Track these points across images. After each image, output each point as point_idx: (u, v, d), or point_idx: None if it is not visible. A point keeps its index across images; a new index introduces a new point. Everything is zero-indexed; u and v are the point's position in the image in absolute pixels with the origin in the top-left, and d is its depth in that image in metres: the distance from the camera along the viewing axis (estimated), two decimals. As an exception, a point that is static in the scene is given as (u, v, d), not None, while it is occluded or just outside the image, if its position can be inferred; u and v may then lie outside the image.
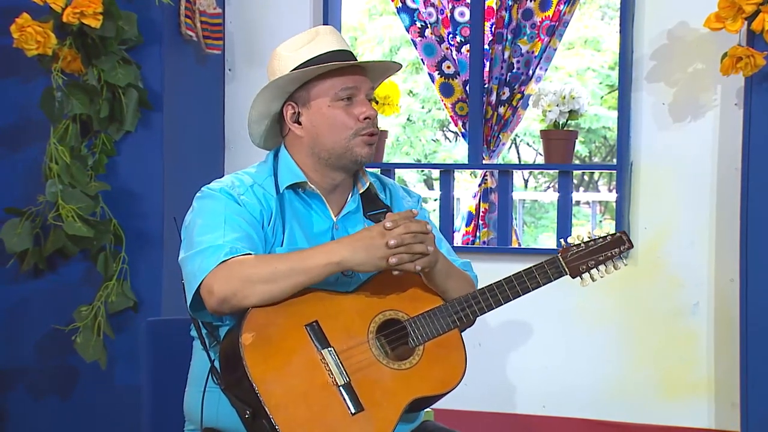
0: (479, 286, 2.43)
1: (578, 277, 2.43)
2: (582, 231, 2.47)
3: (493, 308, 2.38)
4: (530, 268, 2.39)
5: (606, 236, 2.44)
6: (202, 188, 2.41)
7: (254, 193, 2.39)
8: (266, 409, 2.16)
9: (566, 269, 2.41)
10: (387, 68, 2.51)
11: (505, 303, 2.38)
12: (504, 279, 2.38)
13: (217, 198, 2.37)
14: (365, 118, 2.38)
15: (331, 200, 2.45)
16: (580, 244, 2.43)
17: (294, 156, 2.43)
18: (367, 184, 2.49)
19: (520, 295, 2.39)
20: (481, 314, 2.38)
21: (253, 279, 2.21)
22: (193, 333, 2.42)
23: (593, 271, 2.43)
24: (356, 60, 2.42)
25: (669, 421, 4.05)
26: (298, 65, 2.38)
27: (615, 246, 2.44)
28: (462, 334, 2.39)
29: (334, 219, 2.44)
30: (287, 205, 2.41)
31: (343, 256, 2.23)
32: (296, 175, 2.41)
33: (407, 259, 2.26)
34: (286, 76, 2.37)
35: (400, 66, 2.54)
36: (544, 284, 2.40)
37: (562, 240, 2.47)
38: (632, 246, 2.46)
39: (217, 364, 2.30)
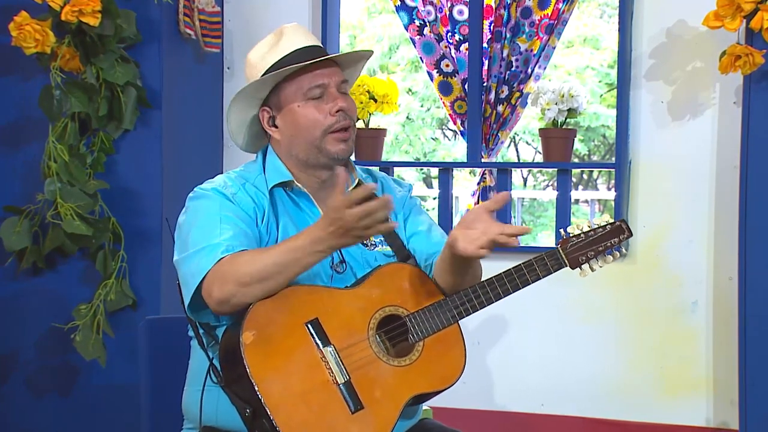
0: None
1: (578, 268, 2.40)
2: (583, 222, 2.45)
3: (494, 302, 2.36)
4: (530, 260, 2.37)
5: (605, 225, 2.41)
6: (195, 189, 2.41)
7: (246, 192, 2.39)
8: (266, 408, 2.16)
9: (566, 261, 2.38)
10: (358, 57, 2.50)
11: (505, 296, 2.36)
12: (504, 272, 2.36)
13: (211, 197, 2.37)
14: (337, 111, 2.38)
15: (320, 198, 2.44)
16: (579, 234, 2.40)
17: (280, 157, 2.44)
18: (356, 180, 2.49)
19: (520, 288, 2.36)
20: (481, 308, 2.36)
21: (247, 280, 2.20)
22: (191, 333, 2.42)
23: (592, 262, 2.41)
24: (325, 52, 2.42)
25: (668, 419, 4.05)
26: (266, 70, 2.38)
27: (615, 235, 2.41)
28: (461, 331, 2.38)
29: None
30: (278, 202, 2.42)
31: (330, 244, 2.20)
32: (282, 174, 2.42)
33: (382, 229, 2.21)
34: (252, 84, 2.38)
35: (371, 53, 2.52)
36: (543, 276, 2.37)
37: (561, 230, 2.44)
38: (632, 234, 2.44)
39: (216, 362, 2.30)
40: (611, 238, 2.41)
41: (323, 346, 2.25)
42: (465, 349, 2.36)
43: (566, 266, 2.39)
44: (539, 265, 2.37)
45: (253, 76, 2.42)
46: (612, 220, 2.43)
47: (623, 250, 2.45)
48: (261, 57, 2.41)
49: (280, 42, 2.41)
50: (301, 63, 2.37)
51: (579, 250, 2.39)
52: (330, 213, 2.16)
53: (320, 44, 2.45)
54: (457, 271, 2.37)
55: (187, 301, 2.29)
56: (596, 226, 2.41)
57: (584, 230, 2.41)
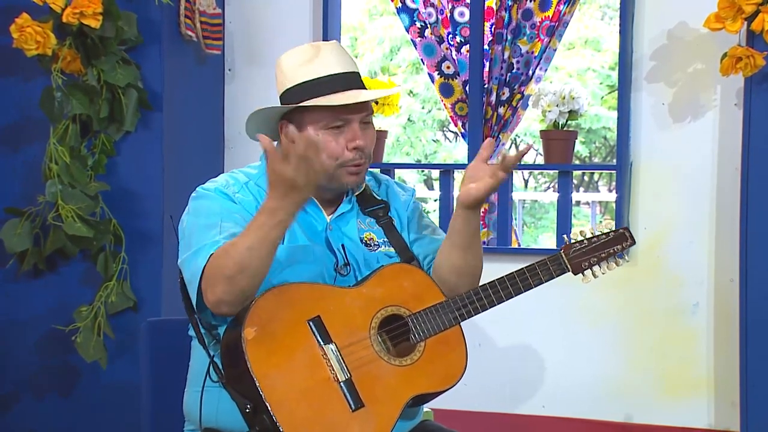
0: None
1: (580, 274, 2.42)
2: (585, 227, 2.47)
3: (495, 305, 2.37)
4: (533, 264, 2.39)
5: (609, 233, 2.44)
6: (197, 188, 2.41)
7: (249, 191, 2.39)
8: (267, 404, 2.17)
9: (568, 266, 2.40)
10: (387, 93, 2.52)
11: (507, 299, 2.38)
12: (506, 275, 2.38)
13: (212, 198, 2.37)
14: (354, 148, 2.37)
15: (325, 203, 2.45)
16: (582, 240, 2.43)
17: None
18: (363, 187, 2.49)
19: (522, 292, 2.38)
20: (483, 311, 2.37)
21: (230, 273, 2.19)
22: (191, 333, 2.43)
23: (595, 268, 2.43)
24: (358, 80, 2.40)
25: (669, 421, 4.05)
26: (297, 84, 2.36)
27: (617, 243, 2.44)
28: (463, 332, 2.39)
29: (328, 219, 2.44)
30: None
31: (285, 209, 2.15)
32: None
33: (318, 169, 2.16)
34: (279, 108, 2.37)
35: (397, 89, 2.52)
36: (546, 281, 2.39)
37: (564, 236, 2.46)
38: (634, 242, 2.46)
39: (217, 359, 2.31)
40: (614, 246, 2.43)
41: (325, 344, 2.25)
42: (466, 351, 2.37)
43: (569, 271, 2.41)
44: (542, 269, 2.38)
45: (281, 82, 2.40)
46: (615, 228, 2.45)
47: (626, 257, 2.46)
48: (293, 67, 2.38)
49: (315, 60, 2.38)
50: (330, 101, 2.33)
51: (582, 256, 2.42)
52: (270, 177, 2.13)
53: (355, 69, 2.42)
54: (465, 242, 2.37)
55: (194, 300, 2.29)
56: (599, 233, 2.44)
57: (587, 236, 2.43)
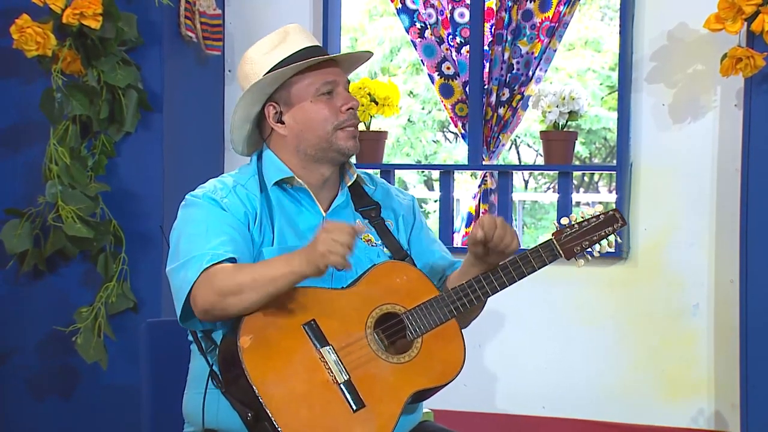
0: None
1: (573, 259, 2.40)
2: (575, 214, 2.46)
3: (490, 295, 2.37)
4: (525, 252, 2.38)
5: (599, 215, 2.42)
6: (186, 196, 2.42)
7: (237, 195, 2.39)
8: (267, 411, 2.16)
9: (560, 252, 2.39)
10: (359, 58, 2.54)
11: (501, 289, 2.38)
12: (499, 265, 2.38)
13: (200, 205, 2.37)
14: (348, 109, 2.41)
15: (320, 196, 2.45)
16: (573, 225, 2.42)
17: (279, 156, 2.44)
18: (354, 176, 2.50)
19: (516, 281, 2.38)
20: (477, 302, 2.37)
21: (224, 292, 2.20)
22: (191, 337, 2.43)
23: (587, 252, 2.41)
24: (327, 53, 2.45)
25: (669, 422, 4.05)
26: (274, 66, 2.39)
27: (608, 224, 2.42)
28: (460, 326, 2.38)
29: (324, 214, 2.44)
30: (275, 203, 2.41)
31: (294, 266, 2.19)
32: (283, 171, 2.42)
33: (337, 261, 2.18)
34: (267, 77, 2.38)
35: (371, 54, 2.56)
36: (539, 268, 2.38)
37: (554, 222, 2.45)
38: (626, 223, 2.44)
39: (216, 367, 2.30)
40: (605, 228, 2.42)
41: (321, 347, 2.25)
42: (464, 344, 2.36)
43: (561, 257, 2.40)
44: (534, 256, 2.38)
45: (253, 72, 2.42)
46: (605, 210, 2.44)
47: (619, 237, 2.46)
48: (264, 54, 2.42)
49: (288, 39, 2.43)
50: (318, 58, 2.39)
51: (573, 241, 2.40)
52: (323, 246, 2.15)
53: (321, 45, 2.49)
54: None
55: (178, 313, 2.30)
56: (590, 216, 2.42)
57: (578, 221, 2.42)
